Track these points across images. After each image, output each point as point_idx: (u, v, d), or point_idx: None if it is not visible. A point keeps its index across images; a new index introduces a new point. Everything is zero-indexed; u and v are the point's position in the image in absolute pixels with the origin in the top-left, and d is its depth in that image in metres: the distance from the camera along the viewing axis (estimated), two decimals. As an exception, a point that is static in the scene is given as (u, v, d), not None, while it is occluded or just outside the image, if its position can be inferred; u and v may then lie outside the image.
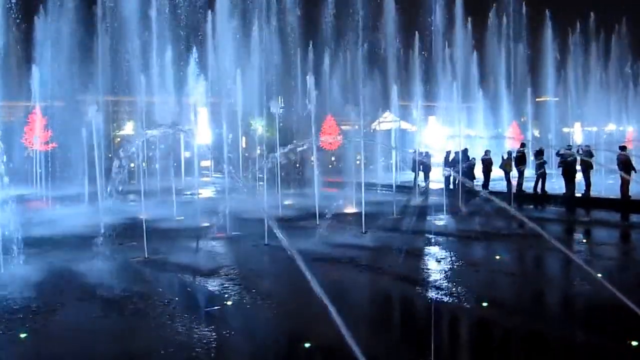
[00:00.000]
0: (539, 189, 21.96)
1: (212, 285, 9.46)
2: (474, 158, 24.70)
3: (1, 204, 10.71)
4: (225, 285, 9.37)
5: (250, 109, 38.64)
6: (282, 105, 43.62)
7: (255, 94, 36.10)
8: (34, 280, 9.74)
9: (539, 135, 51.95)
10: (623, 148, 19.97)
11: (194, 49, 37.70)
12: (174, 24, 37.35)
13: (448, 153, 26.04)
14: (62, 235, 14.40)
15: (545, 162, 22.25)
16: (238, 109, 29.11)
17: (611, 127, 47.58)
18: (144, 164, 24.51)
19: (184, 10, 37.99)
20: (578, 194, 20.69)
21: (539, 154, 22.65)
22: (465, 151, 25.14)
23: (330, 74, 42.18)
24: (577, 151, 22.64)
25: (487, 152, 24.40)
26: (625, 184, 18.91)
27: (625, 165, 19.06)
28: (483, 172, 23.83)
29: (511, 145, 31.73)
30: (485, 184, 23.49)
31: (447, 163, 25.12)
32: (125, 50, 34.86)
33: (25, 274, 10.10)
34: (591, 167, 20.73)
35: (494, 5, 43.77)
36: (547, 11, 43.93)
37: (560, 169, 21.31)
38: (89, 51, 28.79)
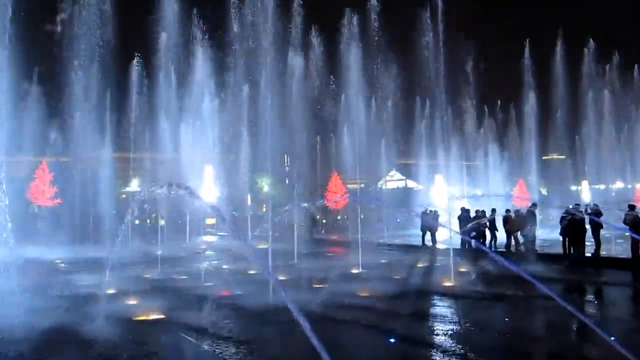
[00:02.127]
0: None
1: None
2: (485, 218, 24.46)
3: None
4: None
5: (256, 167, 38.80)
6: (288, 164, 43.74)
7: (261, 152, 36.21)
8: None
9: (546, 194, 51.66)
10: (632, 207, 19.72)
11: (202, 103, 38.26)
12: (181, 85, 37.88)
13: (462, 210, 25.79)
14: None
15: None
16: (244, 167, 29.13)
17: (619, 184, 47.24)
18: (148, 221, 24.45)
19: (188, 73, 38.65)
20: (588, 254, 20.30)
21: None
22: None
23: (336, 133, 42.22)
24: (586, 210, 22.26)
25: (507, 211, 24.02)
26: (635, 244, 18.56)
27: (634, 224, 18.76)
28: (505, 231, 23.47)
29: (519, 204, 31.39)
30: (508, 243, 23.10)
31: (464, 221, 24.82)
32: (131, 108, 35.35)
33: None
34: (600, 226, 20.38)
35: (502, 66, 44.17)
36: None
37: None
38: (95, 109, 29.21)
